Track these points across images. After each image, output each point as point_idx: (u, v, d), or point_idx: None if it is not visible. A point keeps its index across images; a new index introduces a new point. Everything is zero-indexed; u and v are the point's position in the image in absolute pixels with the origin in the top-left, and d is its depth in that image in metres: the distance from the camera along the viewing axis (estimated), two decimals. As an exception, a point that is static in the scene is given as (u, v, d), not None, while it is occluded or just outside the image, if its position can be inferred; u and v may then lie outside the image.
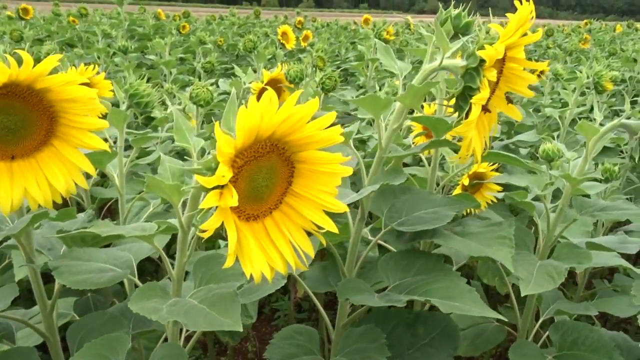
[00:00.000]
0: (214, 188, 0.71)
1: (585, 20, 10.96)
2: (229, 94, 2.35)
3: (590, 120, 1.31)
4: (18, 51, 0.81)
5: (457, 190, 1.74)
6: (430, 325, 1.33)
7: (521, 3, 0.96)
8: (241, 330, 0.77)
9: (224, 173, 0.69)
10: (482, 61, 0.97)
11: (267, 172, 0.79)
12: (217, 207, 0.71)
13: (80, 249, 1.15)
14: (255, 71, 3.12)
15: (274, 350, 1.22)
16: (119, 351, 0.98)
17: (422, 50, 1.14)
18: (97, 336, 1.01)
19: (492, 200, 1.78)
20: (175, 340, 1.06)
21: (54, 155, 0.90)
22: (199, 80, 3.79)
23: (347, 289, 1.15)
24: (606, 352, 1.17)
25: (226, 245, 0.75)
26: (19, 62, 0.77)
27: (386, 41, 3.20)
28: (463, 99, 1.03)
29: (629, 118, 1.13)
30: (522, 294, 1.08)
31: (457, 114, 1.07)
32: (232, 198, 0.70)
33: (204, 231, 0.72)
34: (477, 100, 0.99)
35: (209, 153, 0.77)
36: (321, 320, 1.35)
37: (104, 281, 1.04)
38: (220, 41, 5.56)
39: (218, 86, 2.67)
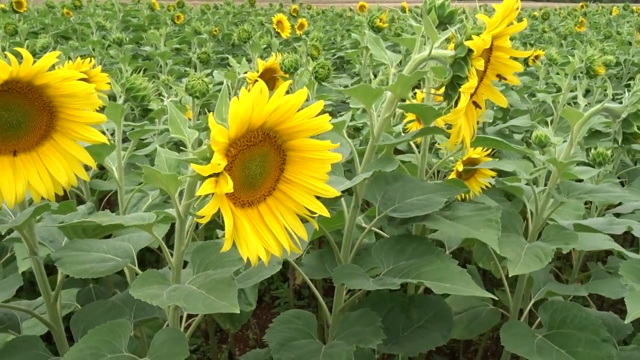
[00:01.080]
0: (209, 176, 0.74)
1: (581, 3, 10.92)
2: (223, 83, 2.37)
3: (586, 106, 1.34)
4: (18, 49, 0.83)
5: (452, 176, 1.77)
6: (424, 308, 1.37)
7: (507, -7, 0.98)
8: (238, 311, 0.81)
9: (219, 161, 0.72)
10: (470, 51, 0.99)
11: (260, 160, 0.82)
12: (213, 194, 0.75)
13: (81, 240, 1.18)
14: (250, 61, 3.13)
15: (273, 334, 1.26)
16: (122, 337, 1.01)
17: (411, 39, 1.16)
18: (100, 324, 1.04)
19: (486, 186, 1.81)
20: (176, 327, 1.09)
21: (55, 149, 0.92)
22: (195, 70, 3.79)
23: (342, 274, 1.18)
24: (593, 329, 1.21)
25: (224, 235, 0.78)
26: (19, 60, 0.80)
27: (380, 29, 3.21)
28: (452, 87, 1.06)
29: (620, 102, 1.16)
30: (510, 274, 1.11)
31: (446, 102, 1.10)
32: (228, 185, 0.73)
33: (201, 217, 0.75)
34: (466, 89, 1.01)
35: (204, 144, 0.80)
36: (320, 306, 1.39)
37: (106, 270, 1.07)
38: (216, 31, 5.55)
39: (214, 77, 2.68)
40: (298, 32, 5.15)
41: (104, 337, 0.99)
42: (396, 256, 1.23)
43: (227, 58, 2.54)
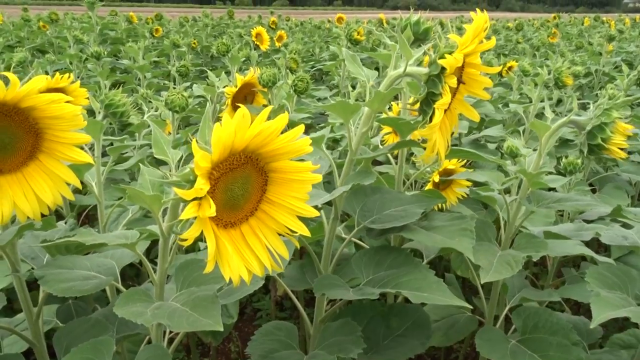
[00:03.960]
0: (192, 200, 0.76)
1: (554, 15, 11.21)
2: (202, 96, 2.39)
3: (557, 115, 1.39)
4: (5, 73, 0.85)
5: (429, 187, 1.82)
6: (403, 317, 1.40)
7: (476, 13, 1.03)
8: (222, 329, 0.83)
9: (202, 185, 0.74)
10: (443, 69, 1.04)
11: (242, 182, 0.84)
12: (196, 217, 0.76)
13: (64, 257, 1.19)
14: (229, 74, 3.15)
15: (255, 346, 1.27)
16: (105, 354, 1.01)
17: (387, 55, 1.20)
18: (83, 341, 1.05)
19: (462, 196, 1.86)
20: (159, 342, 1.10)
21: (40, 169, 0.93)
22: (174, 83, 3.80)
23: (322, 285, 1.21)
24: (564, 333, 1.26)
25: (205, 249, 0.80)
26: (6, 82, 0.81)
27: (358, 42, 3.27)
28: (427, 103, 1.10)
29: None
30: (482, 282, 1.15)
31: (421, 116, 1.14)
32: (210, 208, 0.75)
33: (184, 240, 0.77)
34: (440, 105, 1.05)
35: (187, 166, 0.82)
36: (301, 317, 1.41)
37: (89, 288, 1.08)
38: (194, 43, 5.57)
39: (193, 90, 2.70)
40: (277, 44, 5.19)
41: (87, 355, 0.99)
42: (375, 267, 1.26)
43: (207, 71, 2.56)
